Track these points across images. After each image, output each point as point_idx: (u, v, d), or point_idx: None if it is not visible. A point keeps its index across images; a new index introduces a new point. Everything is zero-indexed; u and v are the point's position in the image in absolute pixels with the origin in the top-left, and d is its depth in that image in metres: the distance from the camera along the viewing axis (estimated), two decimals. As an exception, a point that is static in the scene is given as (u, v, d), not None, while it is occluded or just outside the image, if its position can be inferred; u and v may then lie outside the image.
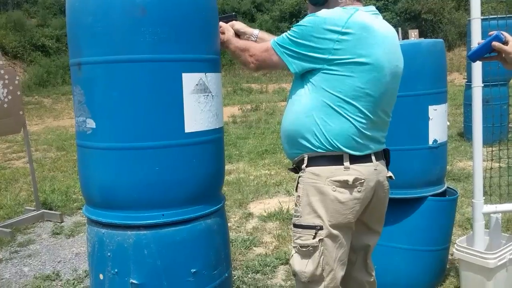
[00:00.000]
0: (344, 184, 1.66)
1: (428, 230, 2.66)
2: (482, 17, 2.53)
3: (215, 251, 1.94)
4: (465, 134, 6.94)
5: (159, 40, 1.73)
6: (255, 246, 3.54)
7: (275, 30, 24.04)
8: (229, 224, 4.01)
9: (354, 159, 1.68)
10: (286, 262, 3.18)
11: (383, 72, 1.66)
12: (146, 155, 1.78)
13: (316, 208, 1.68)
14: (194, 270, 1.84)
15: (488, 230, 2.62)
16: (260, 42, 2.00)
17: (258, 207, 4.44)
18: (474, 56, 1.76)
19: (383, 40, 1.67)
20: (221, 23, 2.01)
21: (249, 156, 6.69)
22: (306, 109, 1.69)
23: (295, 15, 23.86)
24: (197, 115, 1.84)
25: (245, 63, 1.88)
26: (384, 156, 1.84)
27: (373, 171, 1.72)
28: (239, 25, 2.06)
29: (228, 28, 1.99)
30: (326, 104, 1.65)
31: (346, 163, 1.67)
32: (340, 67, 1.62)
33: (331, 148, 1.67)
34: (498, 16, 5.37)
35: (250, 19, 25.46)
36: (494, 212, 2.53)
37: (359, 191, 1.68)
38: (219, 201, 2.02)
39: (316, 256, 1.69)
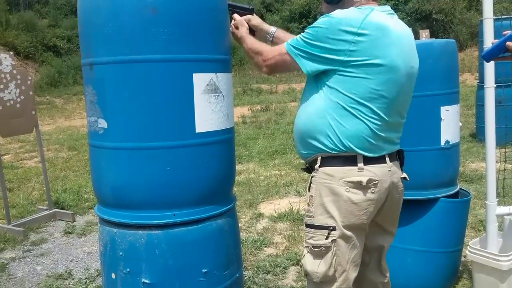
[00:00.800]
0: (357, 185, 1.64)
1: (441, 231, 2.64)
2: (494, 17, 2.51)
3: (226, 251, 1.94)
4: (478, 135, 6.87)
5: (170, 40, 1.74)
6: (265, 247, 3.53)
7: (284, 30, 24.01)
8: (239, 225, 4.01)
9: (368, 160, 1.66)
10: (297, 262, 3.17)
11: (398, 74, 1.64)
12: (157, 155, 1.79)
13: (329, 208, 1.67)
14: (205, 270, 1.84)
15: (501, 232, 2.59)
16: (277, 41, 1.99)
17: (268, 208, 4.44)
18: (488, 56, 1.74)
19: (398, 41, 1.65)
20: (235, 16, 1.99)
21: (259, 156, 6.68)
22: (320, 110, 1.68)
23: (304, 15, 23.80)
24: (207, 115, 1.84)
25: (258, 66, 1.87)
26: (398, 157, 1.82)
27: (387, 172, 1.71)
28: (256, 21, 2.04)
29: (242, 23, 1.98)
30: (340, 106, 1.64)
31: (360, 164, 1.65)
32: (355, 69, 1.60)
33: (344, 149, 1.66)
34: (511, 16, 5.34)
35: (260, 20, 25.47)
36: (508, 214, 2.50)
37: (372, 192, 1.66)
38: (230, 201, 2.02)
39: (329, 257, 1.68)
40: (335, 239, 1.67)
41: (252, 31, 2.03)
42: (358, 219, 1.67)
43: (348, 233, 1.67)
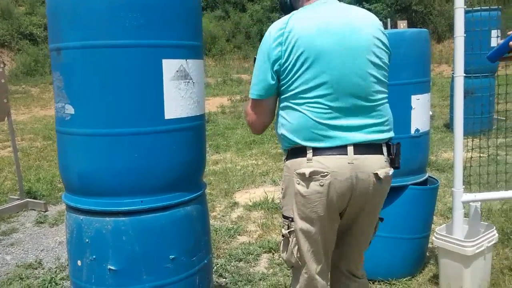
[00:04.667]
0: (302, 176, 1.60)
1: (409, 218, 2.68)
2: (466, 8, 2.53)
3: (195, 237, 1.94)
4: (451, 125, 7.00)
5: (138, 25, 1.72)
6: (239, 235, 3.54)
7: (266, 20, 23.89)
8: (214, 214, 4.02)
9: (319, 151, 1.60)
10: (269, 250, 3.20)
11: (331, 56, 1.57)
12: (125, 142, 1.78)
13: (290, 200, 1.69)
14: (172, 257, 1.84)
15: (467, 218, 2.65)
16: None
17: (243, 197, 4.44)
18: (493, 56, 1.72)
19: (321, 26, 1.59)
20: None
21: (236, 146, 6.68)
22: (278, 110, 1.73)
23: (286, 6, 23.71)
24: (177, 102, 1.84)
25: (249, 127, 1.85)
26: (388, 150, 1.67)
27: (345, 165, 1.58)
28: None
29: None
30: (284, 104, 1.66)
31: (309, 155, 1.60)
32: (288, 66, 1.60)
33: (293, 144, 1.66)
34: (482, 8, 5.42)
35: (241, 9, 25.28)
36: (473, 201, 2.55)
37: (321, 185, 1.58)
38: (199, 188, 2.02)
39: (290, 246, 1.72)
40: (293, 230, 1.69)
41: None
42: (311, 211, 1.62)
43: (304, 224, 1.65)
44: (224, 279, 2.84)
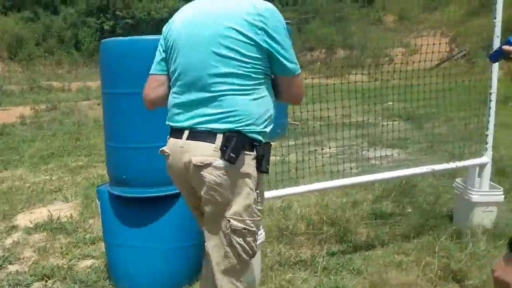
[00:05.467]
0: None
1: (180, 226, 2.60)
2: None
3: None
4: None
5: None
6: (10, 264, 3.07)
7: (81, 24, 22.41)
8: (-18, 242, 3.44)
9: (171, 132, 1.76)
10: (42, 278, 2.82)
11: (180, 46, 1.70)
12: None
13: None
14: None
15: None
16: None
17: (26, 218, 3.90)
18: (493, 57, 2.00)
19: (187, 17, 1.72)
20: None
21: (31, 160, 5.94)
22: None
23: (102, 10, 22.64)
24: None
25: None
26: (227, 141, 1.60)
27: (177, 148, 1.70)
28: None
29: None
30: None
31: (169, 135, 1.78)
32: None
33: None
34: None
35: (52, 11, 23.31)
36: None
37: (168, 161, 1.77)
38: None
39: None
40: None
41: None
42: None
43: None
44: (-23, 321, 2.40)
